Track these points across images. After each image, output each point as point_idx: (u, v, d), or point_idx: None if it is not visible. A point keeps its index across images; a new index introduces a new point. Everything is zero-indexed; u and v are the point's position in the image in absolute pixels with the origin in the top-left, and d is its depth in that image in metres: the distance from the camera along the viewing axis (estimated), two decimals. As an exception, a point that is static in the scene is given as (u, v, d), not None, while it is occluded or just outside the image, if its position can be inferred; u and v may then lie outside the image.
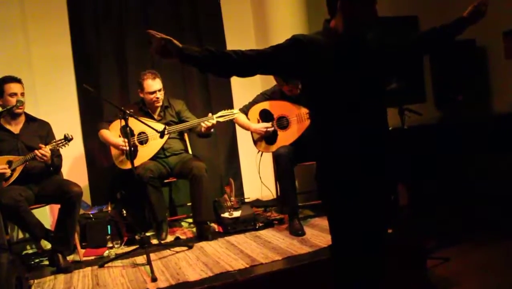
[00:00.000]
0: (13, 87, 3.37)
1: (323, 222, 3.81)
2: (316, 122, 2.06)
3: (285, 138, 3.82)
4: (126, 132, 3.23)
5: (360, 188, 1.96)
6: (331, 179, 2.01)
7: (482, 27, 5.50)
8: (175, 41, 1.88)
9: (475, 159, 4.09)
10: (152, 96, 3.87)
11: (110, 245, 3.67)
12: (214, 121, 3.69)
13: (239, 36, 5.02)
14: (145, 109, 3.97)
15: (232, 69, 1.96)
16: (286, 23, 4.69)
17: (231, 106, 4.77)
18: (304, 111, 3.80)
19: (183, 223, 4.29)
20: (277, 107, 3.88)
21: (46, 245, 3.56)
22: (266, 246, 3.28)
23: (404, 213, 3.85)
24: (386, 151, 2.07)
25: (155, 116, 3.97)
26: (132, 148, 3.66)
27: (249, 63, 1.94)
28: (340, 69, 1.93)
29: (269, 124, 3.85)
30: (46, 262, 3.40)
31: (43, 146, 3.29)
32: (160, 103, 3.96)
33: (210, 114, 3.75)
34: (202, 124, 3.71)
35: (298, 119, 3.81)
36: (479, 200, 4.13)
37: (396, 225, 3.35)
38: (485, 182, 4.17)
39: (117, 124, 3.74)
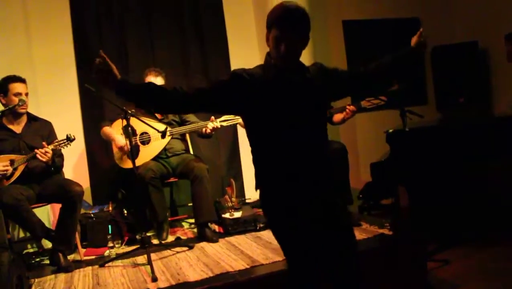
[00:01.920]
0: (18, 87, 3.37)
1: (324, 223, 3.80)
2: (253, 155, 2.03)
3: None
4: (128, 132, 3.23)
5: (301, 216, 1.93)
6: (271, 208, 2.00)
7: (484, 30, 5.56)
8: (116, 71, 1.85)
9: (476, 161, 4.09)
10: None
11: (110, 244, 3.67)
12: (218, 125, 3.69)
13: (241, 36, 5.02)
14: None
15: (170, 106, 1.94)
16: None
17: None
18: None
19: (184, 223, 4.30)
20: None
21: (47, 244, 3.57)
22: (267, 247, 3.28)
23: (404, 215, 3.85)
24: (326, 178, 2.01)
25: (158, 116, 3.97)
26: (134, 148, 3.67)
27: (188, 101, 1.91)
28: (272, 104, 1.88)
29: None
30: (47, 261, 3.40)
31: (45, 144, 3.30)
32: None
33: (212, 118, 3.74)
34: (209, 125, 3.71)
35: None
36: (480, 202, 4.13)
37: (396, 227, 3.36)
38: (486, 184, 4.18)
39: (119, 124, 3.74)
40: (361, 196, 4.65)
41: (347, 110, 3.65)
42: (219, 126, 3.71)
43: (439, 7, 5.82)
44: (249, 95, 1.88)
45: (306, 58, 4.82)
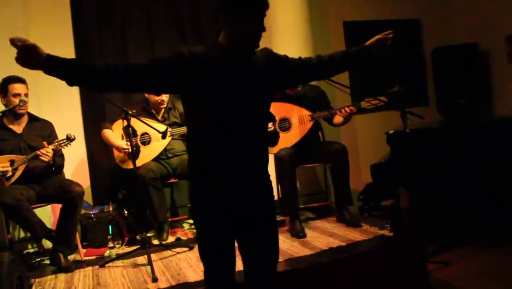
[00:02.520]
0: (17, 88, 3.37)
1: (324, 224, 3.81)
2: (188, 137, 2.02)
3: (287, 140, 3.82)
4: (128, 132, 3.24)
5: (226, 211, 1.94)
6: (197, 196, 1.98)
7: (485, 31, 5.56)
8: (40, 49, 1.70)
9: (477, 163, 4.09)
10: (157, 98, 3.88)
11: (111, 245, 3.68)
12: None
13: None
14: (149, 110, 3.98)
15: (104, 81, 1.81)
16: (288, 24, 4.69)
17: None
18: (306, 113, 3.80)
19: (184, 224, 4.29)
20: (279, 109, 3.88)
21: (48, 244, 3.57)
22: (267, 248, 3.28)
23: (404, 216, 3.85)
24: (259, 172, 2.03)
25: (159, 117, 3.98)
26: (135, 149, 3.67)
27: (123, 74, 1.80)
28: (215, 85, 1.85)
29: (271, 128, 3.85)
30: (47, 262, 3.40)
31: (46, 144, 3.30)
32: (165, 105, 3.97)
33: None
34: None
35: (300, 121, 3.81)
36: (480, 204, 4.13)
37: (397, 228, 3.36)
38: (486, 186, 4.17)
39: (119, 124, 3.73)
40: (361, 197, 4.66)
41: (345, 109, 3.64)
42: None
43: (439, 8, 5.82)
44: (188, 73, 1.83)
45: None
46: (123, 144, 3.74)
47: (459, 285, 3.17)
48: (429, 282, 3.14)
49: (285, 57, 2.05)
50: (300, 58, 2.09)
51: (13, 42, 1.68)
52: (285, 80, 2.10)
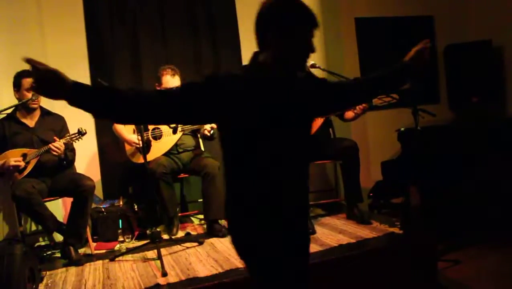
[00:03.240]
0: (30, 82, 3.39)
1: (334, 221, 3.80)
2: (228, 174, 1.70)
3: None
4: (140, 127, 3.24)
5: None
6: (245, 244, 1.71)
7: (499, 28, 5.49)
8: (65, 75, 1.43)
9: (489, 161, 4.06)
10: None
11: (121, 239, 3.70)
12: (209, 127, 3.72)
13: (253, 37, 5.00)
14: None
15: (132, 112, 1.54)
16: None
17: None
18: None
19: (194, 219, 4.31)
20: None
21: (59, 237, 3.60)
22: (276, 244, 3.28)
23: (415, 214, 3.82)
24: (306, 207, 1.82)
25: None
26: (146, 143, 3.69)
27: (158, 105, 1.55)
28: (264, 114, 1.59)
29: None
30: (58, 255, 3.44)
31: (57, 138, 3.32)
32: (177, 100, 3.96)
33: None
34: (205, 126, 3.72)
35: (311, 117, 3.80)
36: (492, 202, 4.09)
37: (407, 226, 3.34)
38: (498, 184, 4.13)
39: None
40: (371, 194, 4.63)
41: (358, 107, 3.63)
42: (214, 127, 3.72)
43: (452, 5, 5.76)
44: (230, 103, 1.58)
45: (318, 55, 4.82)
46: (135, 138, 3.76)
47: (469, 285, 3.14)
48: (439, 280, 3.12)
49: (324, 80, 1.88)
50: (338, 81, 1.95)
51: (30, 62, 1.41)
52: (327, 104, 1.90)
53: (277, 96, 1.63)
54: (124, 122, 1.76)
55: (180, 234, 3.83)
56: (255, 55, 1.71)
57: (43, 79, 1.41)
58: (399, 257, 3.04)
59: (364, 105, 3.62)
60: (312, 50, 1.66)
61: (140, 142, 3.42)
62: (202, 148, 4.19)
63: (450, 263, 3.46)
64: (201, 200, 3.87)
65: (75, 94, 1.44)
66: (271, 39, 1.64)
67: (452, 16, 5.75)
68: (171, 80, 3.81)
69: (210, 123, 3.31)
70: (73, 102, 1.45)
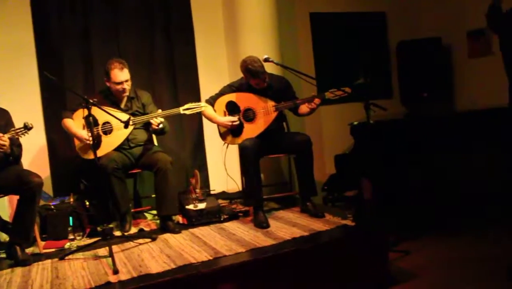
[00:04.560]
0: None
1: (288, 214, 3.83)
2: None
3: (251, 130, 3.81)
4: (89, 122, 3.16)
5: None
6: None
7: (448, 26, 5.67)
8: None
9: (437, 155, 4.18)
10: (118, 86, 3.79)
11: (71, 237, 3.60)
12: (158, 121, 3.66)
13: (208, 33, 4.98)
14: (111, 98, 3.89)
15: None
16: (255, 21, 4.68)
17: (198, 99, 4.74)
18: (270, 103, 3.80)
19: (147, 215, 4.24)
20: (244, 99, 3.87)
21: (4, 237, 3.46)
22: (230, 238, 3.27)
23: (367, 206, 3.89)
24: None
25: (122, 106, 3.90)
26: (96, 139, 3.60)
27: None
28: None
29: (235, 118, 3.83)
30: (3, 255, 3.30)
31: (1, 134, 3.18)
32: (127, 93, 3.89)
33: (159, 110, 3.73)
34: (152, 121, 3.67)
35: (265, 111, 3.81)
36: (441, 195, 4.23)
37: (359, 218, 3.41)
38: (445, 175, 4.27)
39: (81, 113, 3.64)
40: (325, 187, 4.70)
41: (310, 100, 3.66)
42: (162, 121, 3.67)
43: (405, 2, 5.90)
44: None
45: (273, 50, 4.84)
46: (84, 134, 3.66)
47: (419, 273, 3.24)
48: (389, 270, 3.20)
49: None
50: None
51: None
52: None
53: None
54: None
55: (133, 230, 3.75)
56: None
57: None
58: (351, 248, 3.09)
59: (316, 98, 3.66)
60: None
61: (90, 138, 3.32)
62: (155, 143, 4.13)
63: (400, 253, 3.55)
64: (154, 195, 3.82)
65: None
66: None
67: (405, 13, 5.90)
68: (120, 74, 3.73)
69: None
70: None
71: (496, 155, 4.26)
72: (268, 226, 3.47)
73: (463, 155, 4.17)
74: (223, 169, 4.16)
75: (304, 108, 3.81)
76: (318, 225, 3.39)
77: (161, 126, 3.71)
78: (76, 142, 3.78)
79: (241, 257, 2.88)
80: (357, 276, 3.07)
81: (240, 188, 4.28)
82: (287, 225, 3.48)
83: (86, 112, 3.16)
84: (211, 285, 2.69)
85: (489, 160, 4.25)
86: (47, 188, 4.07)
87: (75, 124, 3.75)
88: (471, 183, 4.18)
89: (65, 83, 4.24)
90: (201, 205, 3.76)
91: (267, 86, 3.88)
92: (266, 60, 3.73)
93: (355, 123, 4.16)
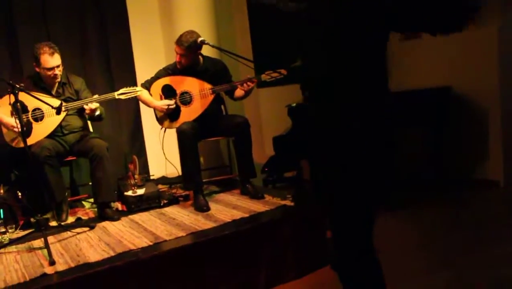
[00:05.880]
0: None
1: (228, 197, 3.86)
2: None
3: (188, 114, 3.79)
4: (17, 108, 3.02)
5: None
6: None
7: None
8: None
9: (372, 133, 4.33)
10: (49, 72, 3.63)
11: (3, 230, 3.44)
12: (92, 106, 3.57)
13: (143, 15, 4.86)
14: (41, 84, 3.72)
15: None
16: (191, 5, 4.61)
17: (134, 83, 4.63)
18: (207, 86, 3.78)
19: (85, 203, 4.14)
20: (180, 82, 3.83)
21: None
22: (171, 223, 3.26)
23: (305, 187, 3.99)
24: None
25: (53, 92, 3.74)
26: (25, 126, 3.44)
27: None
28: None
29: (171, 102, 3.79)
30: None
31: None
32: (59, 79, 3.74)
33: (96, 96, 3.63)
34: (85, 106, 3.57)
35: (201, 94, 3.79)
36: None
37: (298, 199, 3.49)
38: (381, 154, 4.44)
39: (7, 100, 3.46)
40: (265, 169, 4.75)
41: (246, 82, 3.68)
42: (98, 106, 3.59)
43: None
44: None
45: (209, 33, 4.80)
46: (12, 121, 3.48)
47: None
48: (327, 247, 3.30)
49: None
50: None
51: None
52: None
53: None
54: None
55: (71, 219, 3.66)
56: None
57: None
58: (291, 228, 3.17)
59: (251, 80, 3.68)
60: None
61: (19, 126, 3.17)
62: (91, 129, 4.02)
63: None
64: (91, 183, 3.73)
65: None
66: None
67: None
68: (50, 60, 3.57)
69: None
70: None
71: (424, 133, 4.48)
72: (208, 209, 3.48)
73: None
74: (162, 154, 4.11)
75: (239, 91, 3.82)
76: (258, 207, 3.44)
77: (97, 112, 3.61)
78: (4, 130, 3.60)
79: (181, 241, 2.88)
80: (296, 254, 3.15)
81: (180, 173, 4.25)
82: (228, 208, 3.51)
83: (13, 98, 3.01)
84: (151, 271, 2.68)
85: (418, 137, 4.46)
86: (-26, 180, 3.87)
87: (2, 110, 3.57)
88: (402, 159, 4.37)
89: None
90: (140, 191, 3.71)
91: (203, 69, 3.85)
92: (202, 42, 3.69)
93: (293, 105, 4.23)
